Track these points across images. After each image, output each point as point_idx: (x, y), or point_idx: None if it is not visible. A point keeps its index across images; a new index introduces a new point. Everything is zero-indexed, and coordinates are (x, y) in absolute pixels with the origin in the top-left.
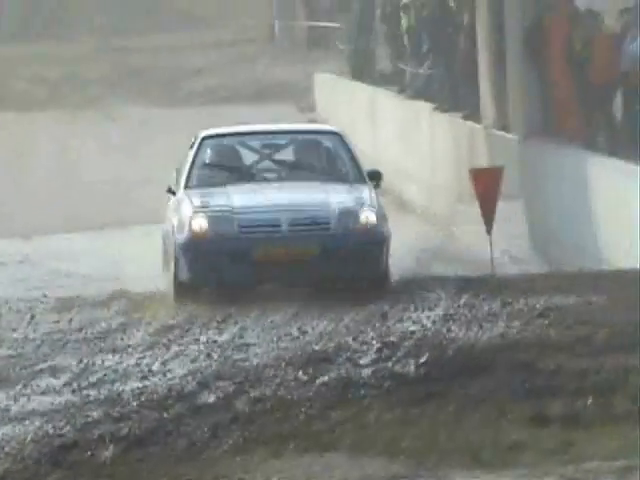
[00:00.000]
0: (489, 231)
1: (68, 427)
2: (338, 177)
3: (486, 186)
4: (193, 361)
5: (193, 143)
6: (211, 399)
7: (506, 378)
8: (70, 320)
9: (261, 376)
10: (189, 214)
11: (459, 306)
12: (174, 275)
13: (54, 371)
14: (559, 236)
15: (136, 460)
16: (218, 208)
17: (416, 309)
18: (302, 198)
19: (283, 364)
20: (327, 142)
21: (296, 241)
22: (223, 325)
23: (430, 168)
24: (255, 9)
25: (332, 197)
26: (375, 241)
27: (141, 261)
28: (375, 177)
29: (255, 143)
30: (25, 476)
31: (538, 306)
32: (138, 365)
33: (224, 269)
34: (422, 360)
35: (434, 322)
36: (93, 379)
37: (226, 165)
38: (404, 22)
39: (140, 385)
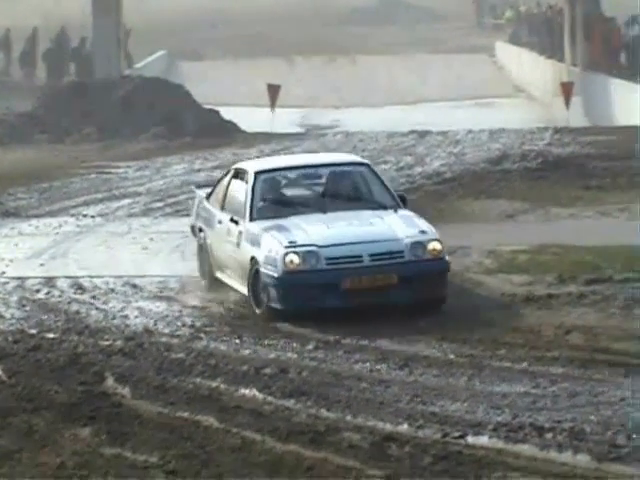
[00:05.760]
0: (567, 108)
1: None
2: (378, 205)
3: (566, 89)
4: None
5: (240, 176)
6: None
7: (574, 170)
8: None
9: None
10: (282, 251)
11: (554, 138)
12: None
13: None
14: (596, 111)
15: None
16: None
17: (533, 140)
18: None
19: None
20: (358, 171)
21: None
22: None
23: (543, 82)
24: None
25: (400, 230)
26: (443, 268)
27: None
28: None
29: (300, 175)
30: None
31: (588, 139)
32: None
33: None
34: (538, 161)
35: (543, 145)
36: None
37: (284, 197)
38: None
39: None
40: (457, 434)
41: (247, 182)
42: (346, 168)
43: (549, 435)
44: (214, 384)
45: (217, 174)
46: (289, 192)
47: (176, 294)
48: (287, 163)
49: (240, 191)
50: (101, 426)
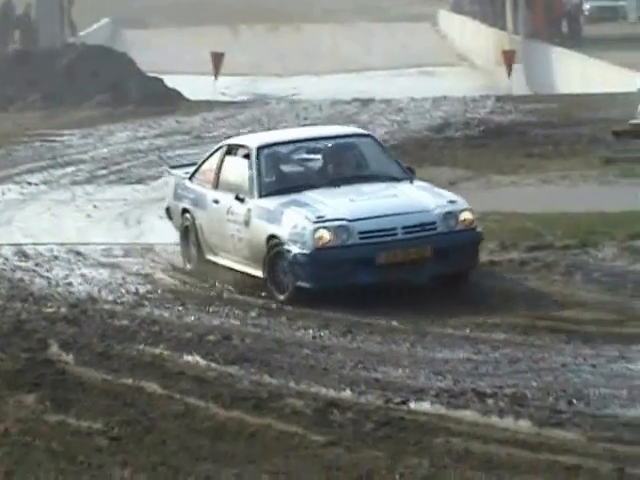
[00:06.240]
0: (509, 76)
1: None
2: (389, 177)
3: (508, 58)
4: None
5: (235, 152)
6: None
7: (515, 138)
8: None
9: None
10: (310, 226)
11: (496, 106)
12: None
13: None
14: (538, 79)
15: None
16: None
17: (475, 108)
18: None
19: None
20: (363, 143)
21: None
22: None
23: (485, 51)
24: None
25: (427, 200)
26: (476, 239)
27: None
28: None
29: (303, 149)
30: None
31: (530, 107)
32: None
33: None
34: (480, 129)
35: (485, 113)
36: None
37: (291, 172)
38: None
39: None
40: (399, 400)
41: (249, 158)
42: (351, 140)
43: (490, 401)
44: (157, 351)
45: (160, 142)
46: (294, 166)
47: (120, 261)
48: (289, 137)
49: (240, 168)
50: (45, 393)
